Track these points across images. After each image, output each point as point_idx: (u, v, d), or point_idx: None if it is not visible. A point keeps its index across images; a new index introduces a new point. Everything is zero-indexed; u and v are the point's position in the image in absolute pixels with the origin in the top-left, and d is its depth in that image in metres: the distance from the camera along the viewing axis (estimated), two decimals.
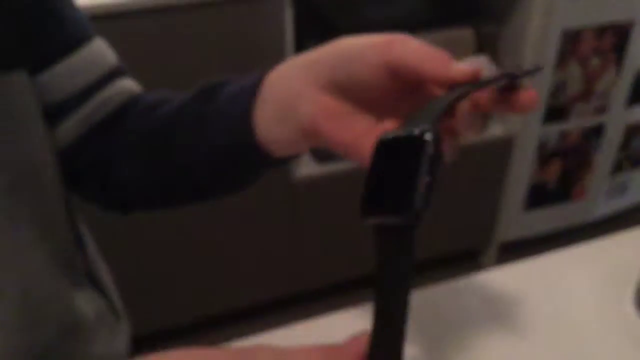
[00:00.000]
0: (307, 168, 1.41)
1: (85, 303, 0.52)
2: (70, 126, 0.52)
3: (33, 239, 0.46)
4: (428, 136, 0.31)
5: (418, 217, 0.30)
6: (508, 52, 1.46)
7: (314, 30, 1.31)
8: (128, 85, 0.55)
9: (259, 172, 0.50)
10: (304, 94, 0.41)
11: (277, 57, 1.21)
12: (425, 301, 0.60)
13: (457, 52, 1.31)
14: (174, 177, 0.52)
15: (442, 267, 1.65)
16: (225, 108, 0.46)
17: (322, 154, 1.41)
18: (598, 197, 1.71)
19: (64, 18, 0.51)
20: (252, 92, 0.44)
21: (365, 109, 0.41)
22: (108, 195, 0.56)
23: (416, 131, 0.31)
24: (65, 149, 0.53)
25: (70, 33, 0.52)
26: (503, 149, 1.54)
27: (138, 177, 0.53)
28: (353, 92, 0.40)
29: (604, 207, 1.74)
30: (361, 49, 0.40)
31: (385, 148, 0.33)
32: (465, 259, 1.75)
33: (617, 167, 1.68)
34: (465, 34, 1.34)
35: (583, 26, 1.40)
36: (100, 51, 0.53)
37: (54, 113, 0.52)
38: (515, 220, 1.66)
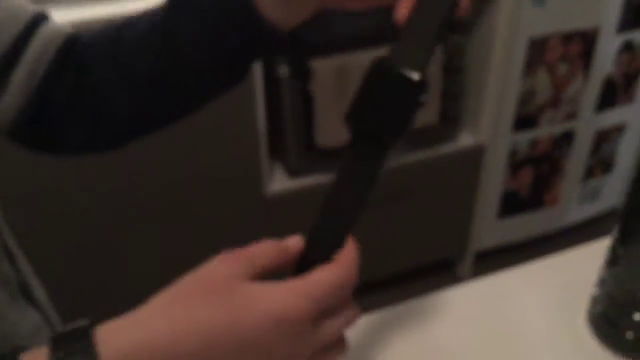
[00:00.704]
0: (279, 183, 1.40)
1: (20, 318, 0.50)
2: (11, 94, 0.51)
3: None
4: (424, 88, 0.35)
5: (398, 141, 0.36)
6: (475, 61, 1.47)
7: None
8: (54, 27, 0.53)
9: (256, 50, 0.49)
10: None
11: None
12: (396, 317, 0.59)
13: None
14: (170, 84, 0.51)
15: (419, 278, 1.65)
16: None
17: (295, 169, 1.40)
18: (570, 203, 1.72)
19: None
20: None
21: None
22: (96, 136, 0.55)
23: (415, 76, 0.35)
24: (21, 113, 0.52)
25: None
26: (474, 157, 1.54)
27: (130, 100, 0.53)
28: None
29: (577, 213, 1.75)
30: None
31: (381, 71, 0.36)
32: (442, 268, 1.75)
33: (589, 173, 1.69)
34: None
35: (550, 34, 1.40)
36: (12, 5, 0.51)
37: None
38: (489, 228, 1.66)
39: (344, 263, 0.38)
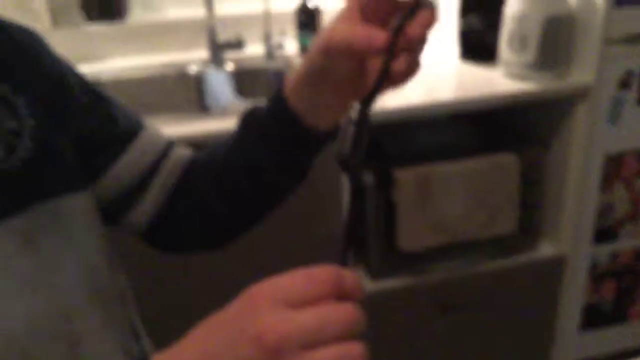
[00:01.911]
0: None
1: None
2: (148, 202, 0.65)
3: (96, 328, 0.55)
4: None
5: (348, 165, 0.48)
6: (552, 176, 1.53)
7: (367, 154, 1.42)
8: (181, 152, 0.68)
9: (310, 151, 0.62)
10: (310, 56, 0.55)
11: (333, 179, 1.32)
12: None
13: (503, 176, 1.41)
14: (254, 193, 0.64)
15: None
16: (264, 111, 0.60)
17: (376, 272, 1.47)
18: None
19: (116, 118, 0.64)
20: (279, 90, 0.59)
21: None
22: (206, 238, 0.69)
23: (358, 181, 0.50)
24: (154, 218, 0.66)
25: (121, 129, 0.64)
26: (554, 268, 1.56)
27: (227, 209, 0.66)
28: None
29: None
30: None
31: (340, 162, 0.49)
32: None
33: None
34: (510, 159, 1.42)
35: (625, 151, 1.46)
36: (151, 136, 0.66)
37: (126, 201, 0.64)
38: (571, 342, 1.64)
39: (316, 270, 0.39)
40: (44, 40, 0.61)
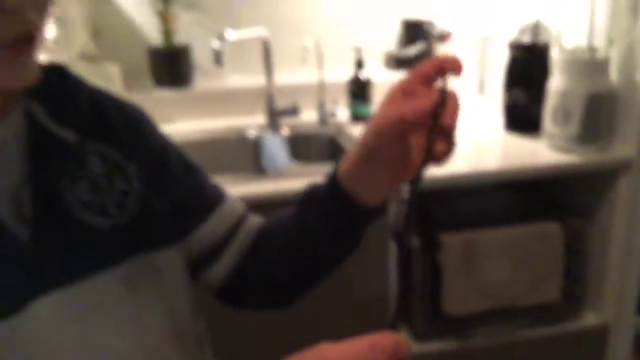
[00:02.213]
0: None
1: None
2: (224, 264, 0.74)
3: None
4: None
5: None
6: (595, 246, 1.56)
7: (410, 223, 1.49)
8: (254, 221, 0.77)
9: (362, 225, 0.69)
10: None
11: (380, 245, 1.38)
12: None
13: (547, 245, 1.45)
14: (312, 261, 0.73)
15: None
16: (321, 191, 0.69)
17: (421, 334, 1.51)
18: None
19: (203, 187, 0.73)
20: (334, 173, 0.68)
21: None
22: (270, 299, 0.77)
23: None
24: (227, 278, 0.74)
25: (207, 197, 0.73)
26: (598, 337, 1.57)
27: (289, 275, 0.74)
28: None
29: None
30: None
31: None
32: None
33: None
34: (554, 228, 1.47)
35: None
36: (231, 205, 0.76)
37: (206, 260, 0.73)
38: None
39: (378, 337, 0.44)
40: (150, 117, 0.71)
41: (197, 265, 0.73)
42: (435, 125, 0.56)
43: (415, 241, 1.45)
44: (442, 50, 1.90)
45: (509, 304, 1.49)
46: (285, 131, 1.77)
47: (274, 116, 1.76)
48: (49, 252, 0.55)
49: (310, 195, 0.71)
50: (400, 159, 0.63)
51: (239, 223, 0.75)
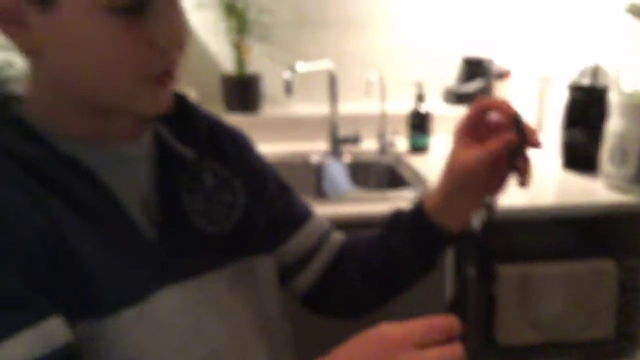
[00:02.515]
0: None
1: None
2: (310, 274, 0.81)
3: None
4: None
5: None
6: None
7: (471, 253, 1.54)
8: (337, 237, 0.85)
9: (443, 249, 0.78)
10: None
11: (437, 277, 1.43)
12: None
13: (601, 281, 1.50)
14: (391, 279, 0.81)
15: None
16: (408, 219, 0.78)
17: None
18: None
19: (295, 204, 0.81)
20: (420, 205, 0.77)
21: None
22: (348, 308, 0.85)
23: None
24: (312, 286, 0.82)
25: (297, 213, 0.81)
26: None
27: (367, 290, 0.81)
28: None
29: None
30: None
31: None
32: None
33: None
34: (608, 265, 1.49)
35: None
36: (318, 221, 0.84)
37: (294, 269, 0.81)
38: None
39: (435, 318, 0.52)
40: (252, 141, 0.80)
41: (286, 273, 0.81)
42: (522, 141, 0.66)
43: (470, 270, 1.49)
44: (501, 87, 1.96)
45: (562, 338, 1.51)
46: (346, 158, 1.85)
47: (337, 143, 1.84)
48: (172, 250, 0.64)
49: (396, 222, 0.79)
50: (486, 184, 0.71)
51: (324, 237, 0.83)
